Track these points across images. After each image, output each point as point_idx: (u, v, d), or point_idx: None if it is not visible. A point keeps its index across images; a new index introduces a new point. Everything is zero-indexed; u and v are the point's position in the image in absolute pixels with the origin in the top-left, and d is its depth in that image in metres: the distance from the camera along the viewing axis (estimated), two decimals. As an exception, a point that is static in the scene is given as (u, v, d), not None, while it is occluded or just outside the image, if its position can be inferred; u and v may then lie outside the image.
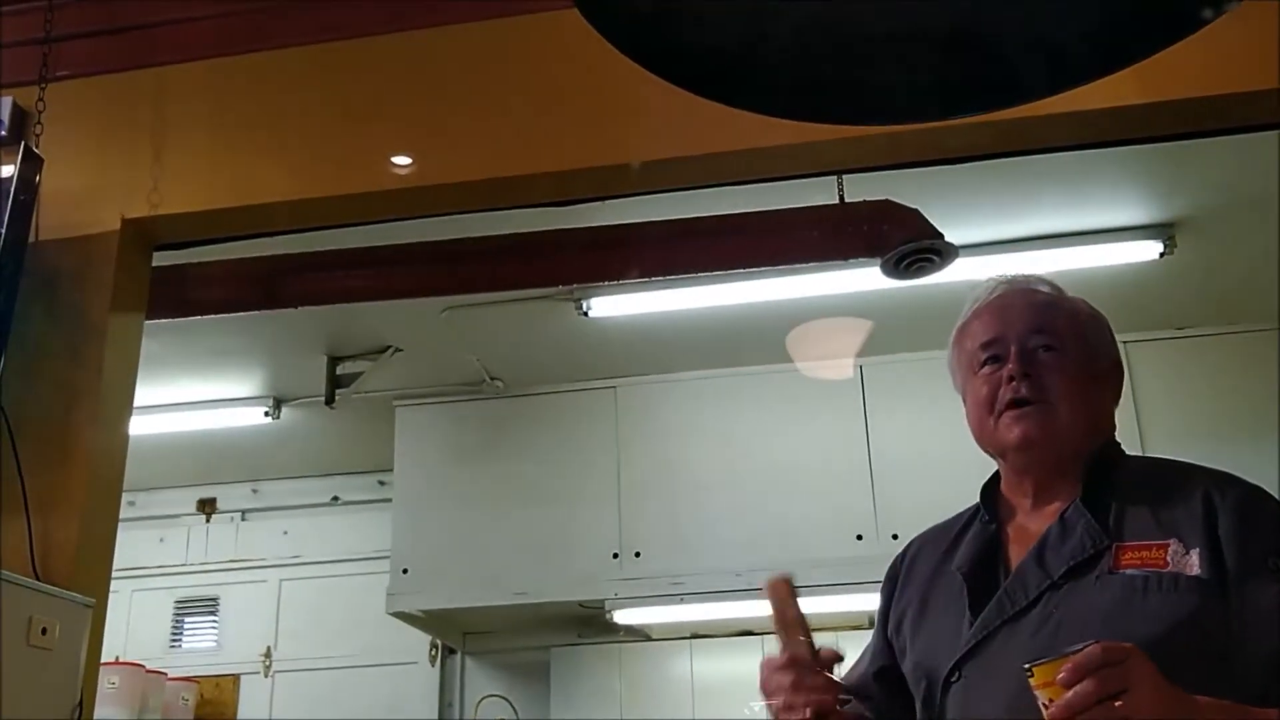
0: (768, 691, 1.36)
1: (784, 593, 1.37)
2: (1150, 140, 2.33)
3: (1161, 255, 3.42)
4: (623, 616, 4.19)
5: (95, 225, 2.40)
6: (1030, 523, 1.41)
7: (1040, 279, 1.52)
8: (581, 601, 4.16)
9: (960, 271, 3.03)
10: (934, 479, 3.83)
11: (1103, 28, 1.11)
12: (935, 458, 3.84)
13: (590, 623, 4.39)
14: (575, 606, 4.22)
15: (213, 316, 3.27)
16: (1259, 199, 3.21)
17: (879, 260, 2.82)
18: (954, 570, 1.42)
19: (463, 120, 2.41)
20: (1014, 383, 1.40)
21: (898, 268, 2.84)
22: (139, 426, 2.46)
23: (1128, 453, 1.46)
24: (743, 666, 4.28)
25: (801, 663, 1.32)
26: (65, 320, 2.33)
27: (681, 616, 4.21)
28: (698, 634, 4.40)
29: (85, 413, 2.28)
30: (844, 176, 2.62)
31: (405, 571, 4.23)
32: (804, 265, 3.25)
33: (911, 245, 2.76)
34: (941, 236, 2.77)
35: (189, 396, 4.31)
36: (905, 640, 1.47)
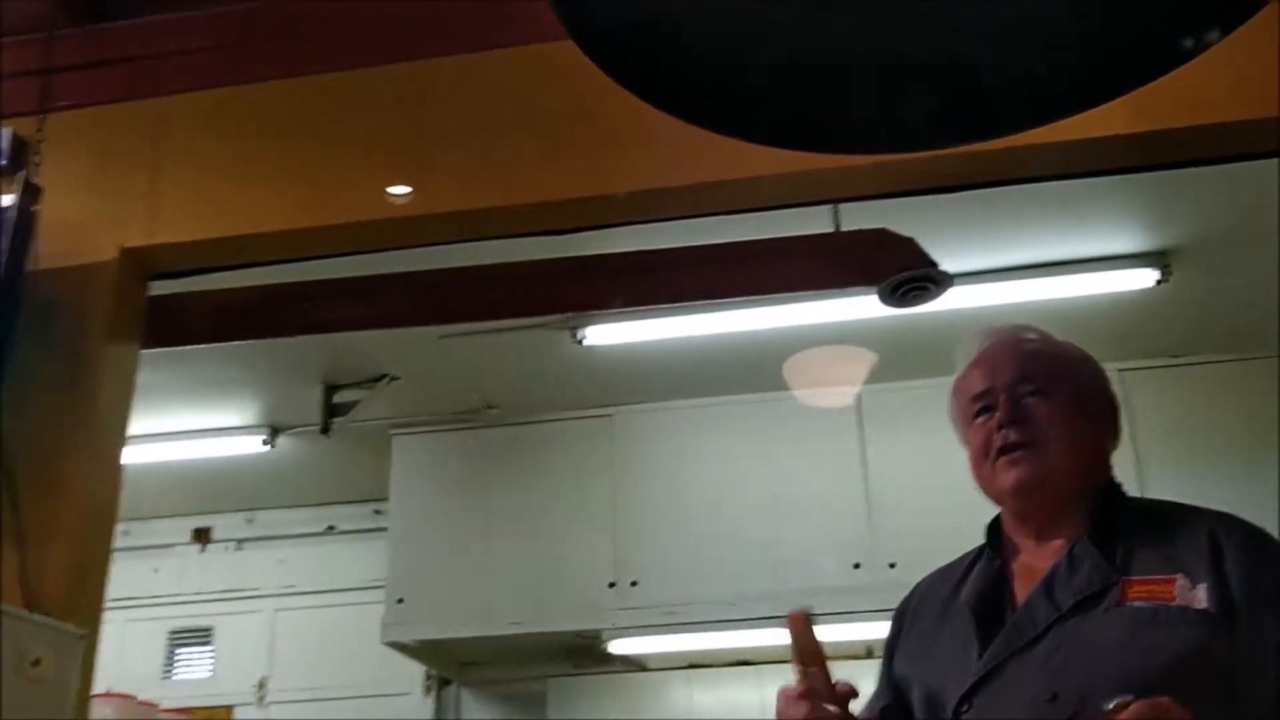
0: None
1: (803, 624, 1.39)
2: (1143, 169, 2.35)
3: (1158, 283, 3.43)
4: (619, 646, 4.17)
5: (92, 254, 2.41)
6: (1035, 560, 1.44)
7: (1027, 327, 1.57)
8: (578, 631, 4.13)
9: (956, 300, 3.04)
10: (932, 507, 3.83)
11: (1085, 61, 1.12)
12: (933, 486, 3.83)
13: (587, 653, 4.36)
14: (571, 636, 4.19)
15: (209, 346, 3.27)
16: (1255, 227, 3.22)
17: (875, 288, 2.83)
18: (961, 604, 1.45)
19: (457, 150, 2.42)
20: (1004, 430, 1.45)
21: (893, 296, 2.85)
22: (133, 455, 2.46)
23: (1127, 494, 1.49)
24: (741, 697, 4.26)
25: (819, 694, 1.34)
26: (61, 349, 2.33)
27: (679, 646, 4.19)
28: (695, 664, 4.38)
29: (79, 442, 2.27)
30: (840, 206, 2.63)
31: (400, 601, 4.21)
32: (800, 293, 3.25)
33: (907, 274, 2.77)
34: (937, 265, 2.78)
35: (184, 425, 4.31)
36: (912, 676, 1.49)
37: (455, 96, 2.46)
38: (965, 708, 1.35)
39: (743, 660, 4.31)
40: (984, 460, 1.48)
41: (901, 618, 1.58)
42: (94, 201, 2.48)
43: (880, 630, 4.18)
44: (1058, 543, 1.43)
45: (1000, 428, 1.45)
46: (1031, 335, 1.56)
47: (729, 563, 3.99)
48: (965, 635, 1.41)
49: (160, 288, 2.57)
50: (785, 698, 1.37)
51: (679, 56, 1.17)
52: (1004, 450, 1.45)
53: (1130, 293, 3.50)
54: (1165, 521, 1.40)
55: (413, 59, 2.46)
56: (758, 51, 1.15)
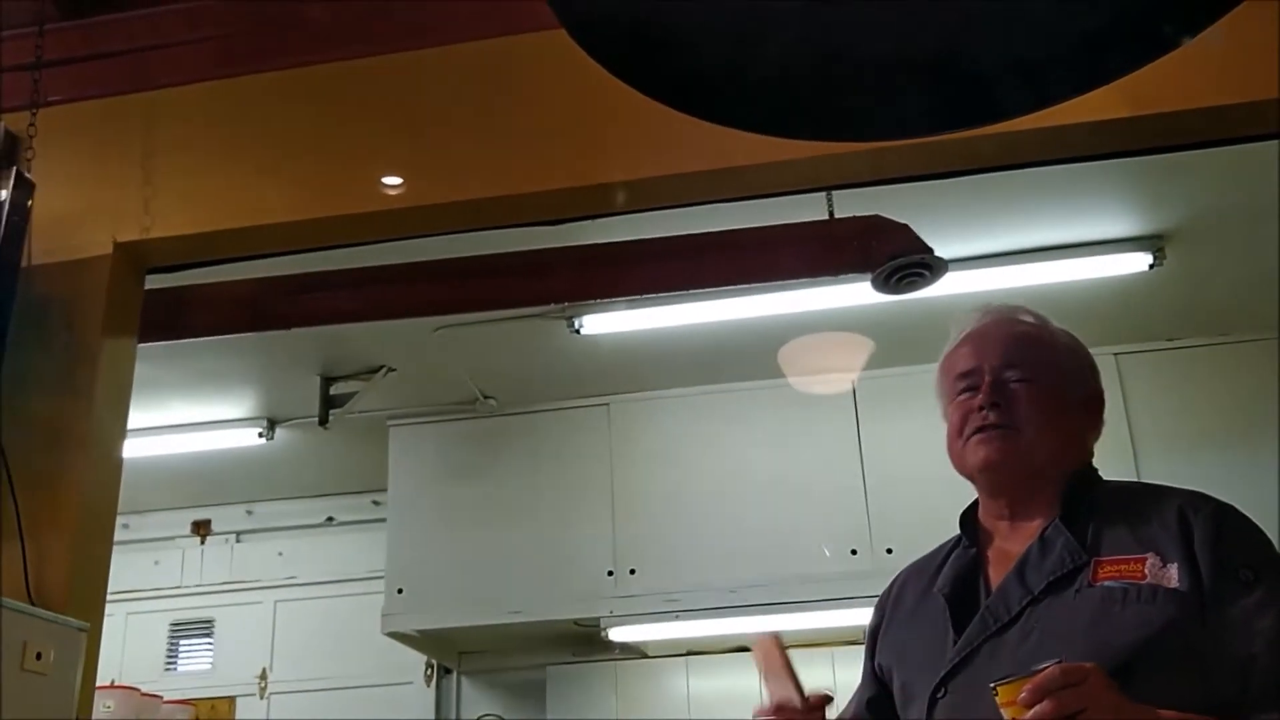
0: None
1: (770, 646, 1.44)
2: (1137, 154, 2.35)
3: (1151, 267, 3.44)
4: (618, 634, 4.18)
5: (87, 249, 2.40)
6: (1008, 545, 1.46)
7: (1023, 309, 1.57)
8: (577, 620, 4.15)
9: (950, 286, 3.04)
10: (928, 493, 3.82)
11: (1080, 47, 1.13)
12: (929, 472, 3.81)
13: (586, 641, 4.38)
14: (571, 625, 4.21)
15: (206, 339, 3.27)
16: (1249, 210, 3.23)
17: (869, 275, 2.84)
18: (936, 592, 1.48)
19: (453, 141, 2.42)
20: (983, 411, 1.46)
21: (888, 282, 2.86)
22: (132, 449, 2.46)
23: (1103, 478, 1.50)
24: (739, 683, 4.27)
25: (787, 707, 1.39)
26: (57, 344, 2.33)
27: (677, 633, 4.20)
28: (694, 651, 4.39)
29: (78, 436, 2.27)
30: (833, 193, 2.63)
31: (400, 591, 4.22)
32: (795, 281, 3.26)
33: (901, 260, 2.77)
34: (931, 251, 2.78)
35: (183, 419, 4.31)
36: (893, 665, 1.52)
37: (449, 87, 2.45)
38: (941, 693, 1.37)
39: (741, 647, 4.33)
40: (958, 437, 1.50)
41: (882, 609, 1.61)
42: (88, 196, 2.47)
43: (878, 615, 4.14)
44: (1031, 526, 1.44)
45: (980, 408, 1.47)
46: (1026, 318, 1.56)
47: (727, 550, 4.00)
48: (940, 622, 1.43)
49: (156, 281, 2.57)
50: (760, 713, 1.43)
51: (675, 47, 1.17)
52: (980, 430, 1.46)
53: (1124, 277, 3.51)
54: (1136, 502, 1.41)
55: (406, 50, 2.46)
56: (755, 41, 1.15)
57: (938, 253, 2.81)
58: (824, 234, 2.71)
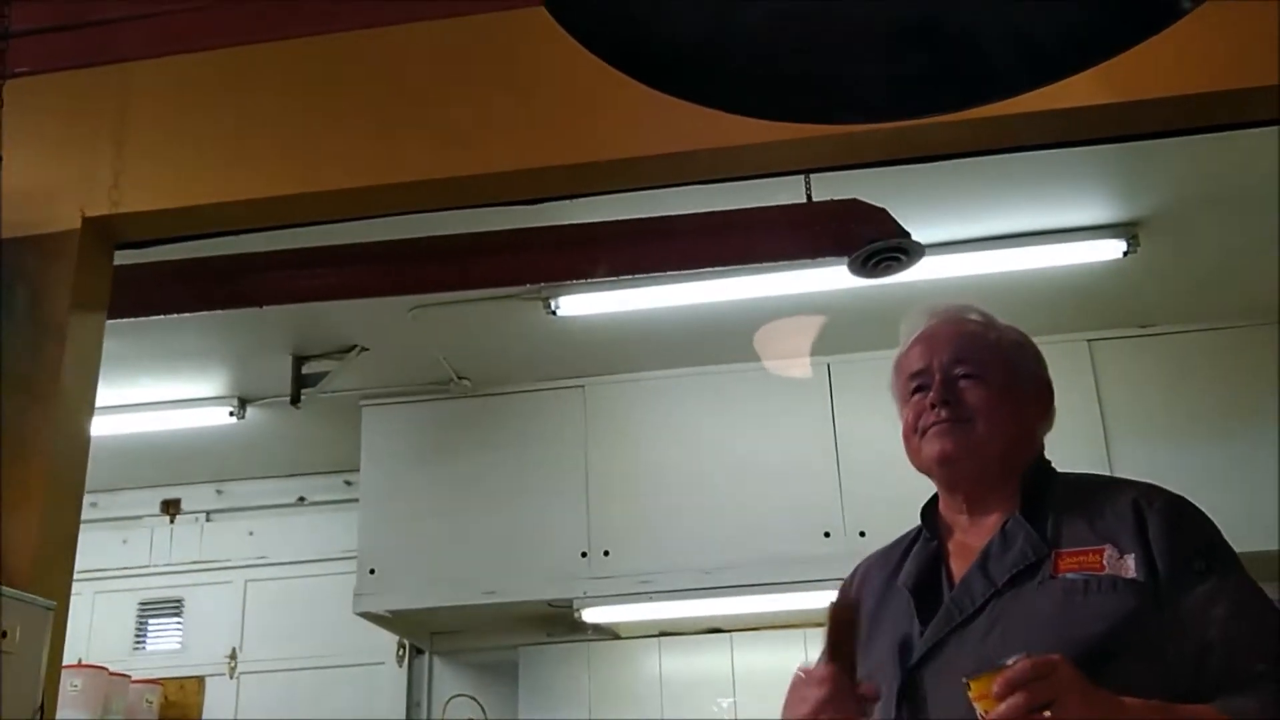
0: (796, 699, 1.38)
1: (845, 616, 1.43)
2: (1120, 139, 2.35)
3: (1125, 254, 3.46)
4: (591, 615, 4.19)
5: (55, 224, 2.37)
6: (969, 538, 1.50)
7: (970, 308, 1.61)
8: (550, 600, 4.15)
9: (927, 270, 3.05)
10: (900, 477, 3.83)
11: (1078, 21, 1.12)
12: (902, 456, 3.85)
13: (559, 621, 4.39)
14: (544, 605, 4.21)
15: (176, 316, 3.24)
16: (1223, 198, 3.26)
17: (846, 259, 2.84)
18: (900, 585, 1.50)
19: (429, 118, 2.39)
20: (935, 409, 1.51)
21: (865, 266, 2.86)
22: (101, 427, 2.43)
23: (1056, 470, 1.54)
24: (711, 664, 4.30)
25: (842, 683, 1.36)
26: (24, 320, 2.30)
27: (650, 615, 4.22)
28: (666, 632, 4.41)
29: (45, 413, 2.24)
30: (811, 175, 2.63)
31: (372, 572, 4.21)
32: (771, 264, 3.26)
33: (878, 244, 2.78)
34: (908, 235, 2.78)
35: (152, 397, 4.27)
36: (857, 656, 1.50)
37: (427, 63, 2.43)
38: (909, 685, 1.39)
39: (713, 628, 4.35)
40: (913, 434, 1.54)
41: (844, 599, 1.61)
42: (56, 170, 2.43)
43: (850, 598, 4.16)
44: (990, 520, 1.48)
45: (932, 406, 1.51)
46: (973, 317, 1.60)
47: (700, 532, 4.01)
48: (905, 615, 1.46)
49: (126, 257, 2.53)
50: (804, 675, 1.39)
51: (653, 25, 1.16)
52: (934, 425, 1.50)
53: (1098, 263, 3.52)
54: (1092, 494, 1.45)
55: (384, 25, 2.43)
56: (742, 18, 1.14)
57: (915, 237, 2.81)
58: (802, 217, 2.71)
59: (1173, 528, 1.36)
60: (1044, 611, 1.34)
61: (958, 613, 1.40)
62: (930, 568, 1.50)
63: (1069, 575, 1.35)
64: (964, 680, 1.20)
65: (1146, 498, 1.40)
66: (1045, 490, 1.47)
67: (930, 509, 1.58)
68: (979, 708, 1.18)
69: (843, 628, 1.42)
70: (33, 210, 2.35)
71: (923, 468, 1.55)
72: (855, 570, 1.64)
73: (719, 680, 4.26)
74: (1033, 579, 1.38)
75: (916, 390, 1.55)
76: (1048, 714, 1.15)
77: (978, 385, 1.51)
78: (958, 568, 1.47)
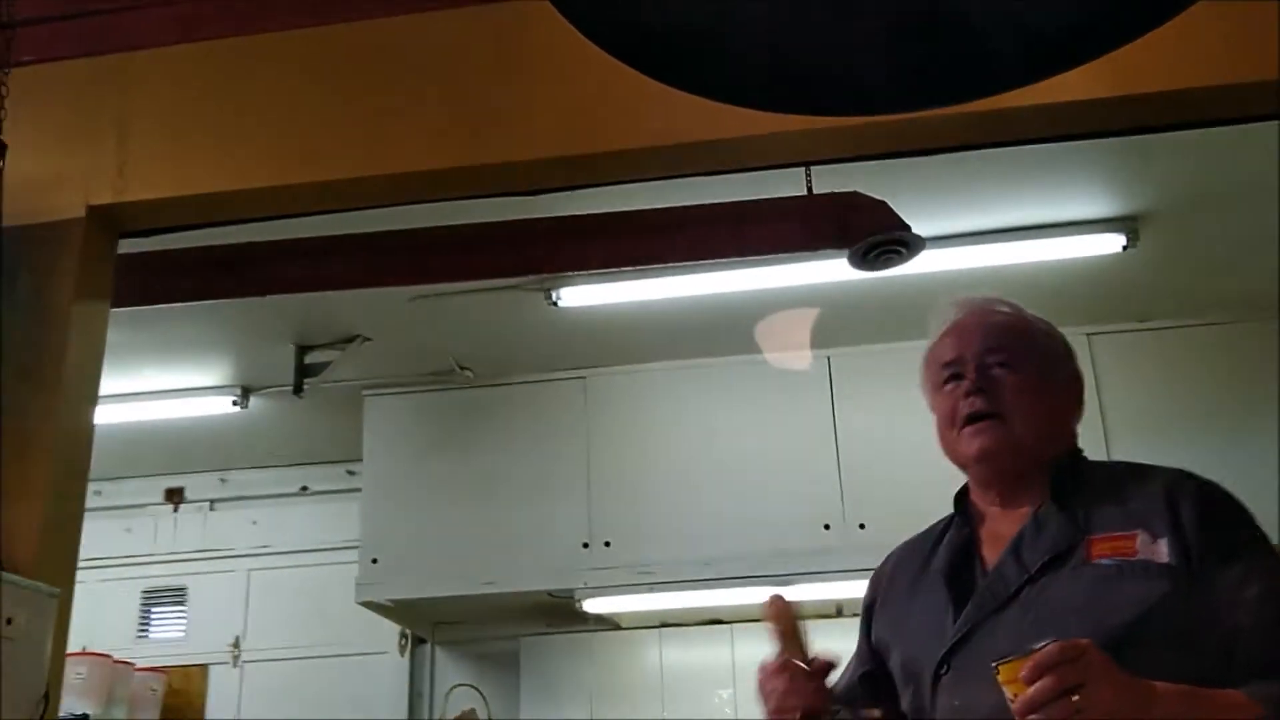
0: (764, 695, 1.45)
1: (782, 607, 1.48)
2: (1120, 133, 2.36)
3: (1125, 248, 3.46)
4: (592, 605, 4.20)
5: (59, 212, 2.38)
6: (1001, 526, 1.50)
7: (999, 300, 1.62)
8: (551, 591, 4.16)
9: (927, 263, 3.05)
10: (901, 469, 3.87)
11: (1078, 15, 1.12)
12: (902, 448, 3.86)
13: (560, 612, 4.40)
14: (545, 596, 4.22)
15: (179, 305, 3.25)
16: (1222, 192, 3.26)
17: (846, 252, 2.84)
18: (935, 572, 1.51)
19: (430, 108, 2.40)
20: (970, 398, 1.50)
21: (865, 259, 2.86)
22: (105, 416, 2.44)
23: (1089, 459, 1.55)
24: (712, 654, 4.31)
25: (794, 668, 1.42)
26: (29, 308, 2.31)
27: (651, 605, 4.22)
28: (667, 622, 4.42)
29: (50, 402, 2.26)
30: (812, 168, 2.63)
31: (375, 561, 4.22)
32: (772, 256, 3.26)
33: (879, 237, 2.78)
34: (909, 228, 2.79)
35: (156, 386, 4.28)
36: (890, 642, 1.55)
37: (428, 53, 2.43)
38: (944, 670, 1.41)
39: (714, 619, 4.36)
40: (950, 428, 1.54)
41: (876, 585, 1.64)
42: (61, 159, 2.45)
43: (850, 590, 4.24)
44: (1023, 509, 1.48)
45: (967, 395, 1.51)
46: (1003, 308, 1.60)
47: (701, 523, 4.02)
48: (939, 601, 1.47)
49: (129, 245, 2.54)
50: (764, 672, 1.44)
51: (655, 14, 1.16)
52: (970, 419, 1.50)
53: (1098, 258, 3.53)
54: (1124, 481, 1.45)
55: (385, 15, 2.43)
56: (745, 10, 1.14)
57: (915, 230, 2.82)
58: (802, 209, 2.71)
59: (1205, 512, 1.36)
60: (1077, 597, 1.35)
61: (991, 599, 1.41)
62: (963, 555, 1.51)
63: (1102, 561, 1.36)
64: (993, 665, 1.21)
65: (1178, 483, 1.40)
66: (1077, 478, 1.48)
67: (962, 496, 1.58)
68: (1008, 692, 1.19)
69: (783, 618, 1.46)
70: (37, 199, 2.36)
71: (960, 462, 1.55)
72: (886, 558, 1.66)
73: (719, 671, 4.27)
74: (1065, 565, 1.38)
75: (949, 380, 1.55)
76: (1076, 698, 1.15)
77: (1011, 373, 1.51)
78: (990, 555, 1.48)
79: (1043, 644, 1.18)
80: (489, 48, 2.40)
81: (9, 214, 2.27)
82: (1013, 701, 1.18)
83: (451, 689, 4.65)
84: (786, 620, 1.46)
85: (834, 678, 1.45)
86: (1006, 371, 1.51)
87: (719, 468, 4.10)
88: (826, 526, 3.95)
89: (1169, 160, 3.11)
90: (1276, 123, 2.28)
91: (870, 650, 1.60)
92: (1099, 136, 2.40)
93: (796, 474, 4.03)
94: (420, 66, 2.43)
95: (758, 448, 4.09)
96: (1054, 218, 3.42)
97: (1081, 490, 1.46)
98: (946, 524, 1.59)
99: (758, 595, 4.37)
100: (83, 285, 2.35)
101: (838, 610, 4.07)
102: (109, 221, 2.45)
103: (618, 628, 4.48)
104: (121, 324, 2.56)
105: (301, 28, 2.47)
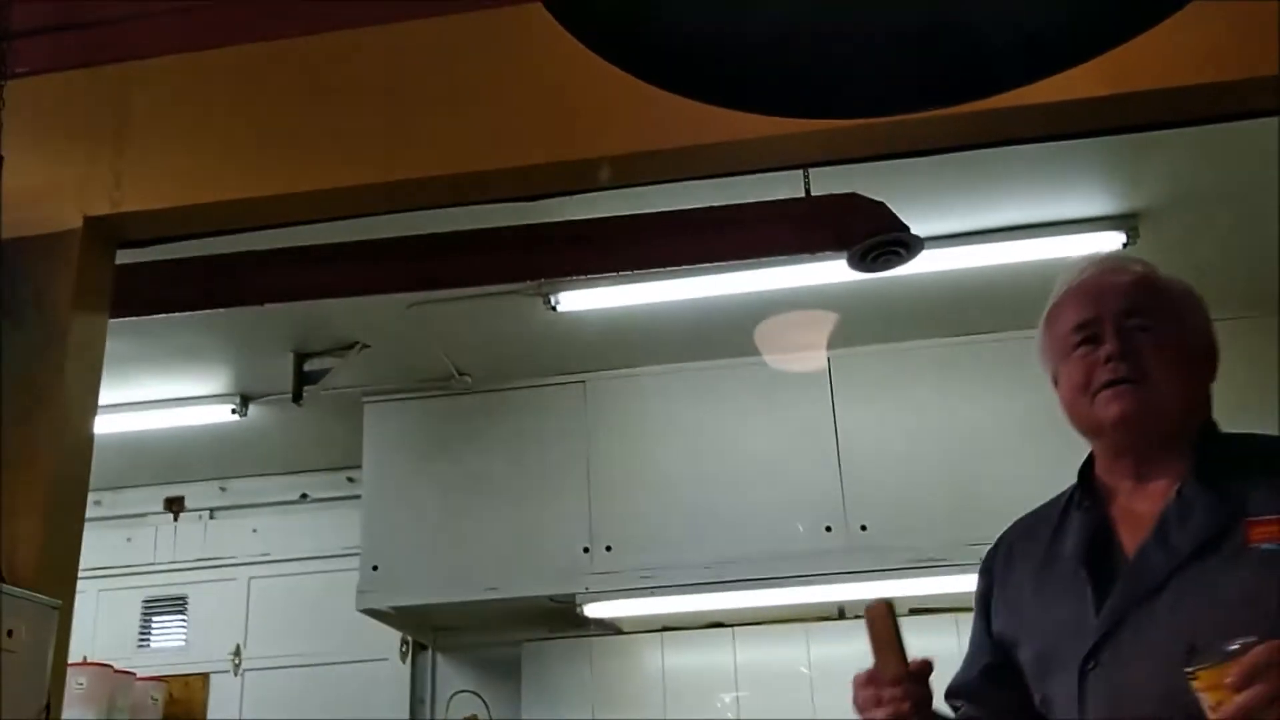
0: (856, 707, 1.38)
1: (882, 613, 1.39)
2: (1119, 131, 2.35)
3: (1125, 246, 3.45)
4: (593, 610, 4.19)
5: (57, 224, 2.37)
6: (1136, 504, 1.39)
7: (1133, 258, 1.50)
8: (552, 596, 4.16)
9: (926, 264, 3.05)
10: (902, 471, 3.87)
11: (1077, 13, 1.12)
12: (903, 449, 3.87)
13: (561, 617, 4.39)
14: (546, 601, 4.22)
15: (178, 315, 3.24)
16: (1222, 190, 3.26)
17: (846, 253, 2.84)
18: (1068, 557, 1.40)
19: (430, 116, 2.39)
20: (1111, 363, 1.38)
21: (864, 260, 2.86)
22: (104, 426, 2.44)
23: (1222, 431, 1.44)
24: (714, 658, 4.30)
25: (880, 679, 1.34)
26: (27, 320, 2.30)
27: (652, 609, 4.22)
28: (668, 627, 4.41)
29: (49, 413, 2.25)
30: (810, 170, 2.63)
31: (375, 568, 4.22)
32: (771, 259, 3.26)
33: (878, 238, 2.78)
34: (907, 229, 2.78)
35: (155, 395, 4.28)
36: (1018, 634, 1.44)
37: (428, 61, 2.43)
38: (1090, 665, 1.31)
39: (716, 623, 4.35)
40: (1083, 394, 1.41)
41: (990, 573, 1.53)
42: (58, 169, 2.44)
43: (851, 592, 4.24)
44: (1160, 484, 1.37)
45: (1108, 360, 1.38)
46: (1138, 265, 1.48)
47: (702, 527, 4.02)
48: (1077, 589, 1.36)
49: (127, 256, 2.54)
50: (856, 684, 1.38)
51: (657, 21, 1.16)
52: (1110, 384, 1.38)
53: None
54: (1269, 456, 1.35)
55: (384, 22, 2.43)
56: (745, 15, 1.14)
57: (914, 231, 2.81)
58: (801, 211, 2.71)
59: None
60: (1240, 585, 1.23)
61: (1139, 588, 1.30)
62: (1098, 537, 1.38)
63: (1265, 546, 1.24)
64: (1188, 671, 1.11)
65: None
66: (1218, 453, 1.36)
67: (1086, 472, 1.45)
68: (1209, 698, 1.09)
69: (879, 624, 1.38)
70: (34, 210, 2.35)
71: (1092, 430, 1.42)
72: (999, 542, 1.54)
73: (722, 675, 4.27)
74: (1220, 550, 1.27)
75: (1083, 343, 1.41)
76: None
77: (1154, 338, 1.39)
78: (1128, 537, 1.35)
79: (1240, 643, 1.08)
80: (487, 55, 2.40)
81: (6, 225, 2.26)
82: (1214, 709, 1.09)
83: (453, 695, 4.65)
84: (884, 629, 1.36)
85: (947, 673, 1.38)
86: (1149, 335, 1.39)
87: (720, 471, 4.09)
88: (828, 528, 3.94)
89: (1168, 158, 3.11)
90: (1276, 119, 2.28)
91: (992, 643, 1.49)
92: (1098, 135, 2.39)
93: (797, 476, 4.02)
94: (419, 74, 2.43)
95: (758, 450, 4.09)
96: (1053, 216, 3.41)
97: (1225, 465, 1.33)
98: (1064, 505, 1.46)
99: (759, 599, 4.36)
100: (81, 296, 2.34)
101: (839, 612, 4.07)
102: (107, 232, 2.44)
103: (619, 632, 4.47)
104: (121, 334, 2.56)
105: (298, 37, 2.46)
